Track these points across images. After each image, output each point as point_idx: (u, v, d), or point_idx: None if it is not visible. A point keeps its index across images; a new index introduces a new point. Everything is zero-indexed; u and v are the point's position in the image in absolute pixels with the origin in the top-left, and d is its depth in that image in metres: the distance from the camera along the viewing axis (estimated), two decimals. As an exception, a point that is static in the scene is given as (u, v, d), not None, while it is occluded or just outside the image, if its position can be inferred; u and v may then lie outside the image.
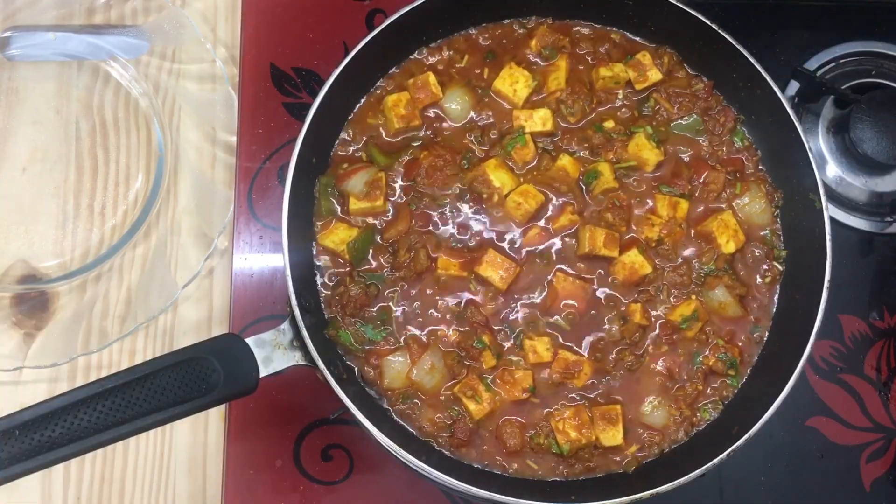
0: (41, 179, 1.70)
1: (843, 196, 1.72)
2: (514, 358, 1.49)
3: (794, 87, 1.74)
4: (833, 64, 1.77)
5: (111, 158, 1.72)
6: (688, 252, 1.55)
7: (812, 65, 1.75)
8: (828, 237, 1.44)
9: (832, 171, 1.71)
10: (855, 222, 1.72)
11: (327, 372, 1.36)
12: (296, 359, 1.37)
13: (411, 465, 1.35)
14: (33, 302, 1.66)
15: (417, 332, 1.50)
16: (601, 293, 1.52)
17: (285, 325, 1.38)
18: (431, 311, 1.50)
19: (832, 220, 1.45)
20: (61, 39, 1.70)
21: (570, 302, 1.51)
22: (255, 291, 1.68)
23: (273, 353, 1.35)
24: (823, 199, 1.46)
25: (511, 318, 1.51)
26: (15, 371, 1.63)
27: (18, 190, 1.69)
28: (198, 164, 1.76)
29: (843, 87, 1.70)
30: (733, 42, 1.51)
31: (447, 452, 1.47)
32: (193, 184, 1.75)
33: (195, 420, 1.64)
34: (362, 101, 1.60)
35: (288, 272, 1.39)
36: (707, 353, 1.51)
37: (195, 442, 1.65)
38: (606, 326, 1.50)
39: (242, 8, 1.80)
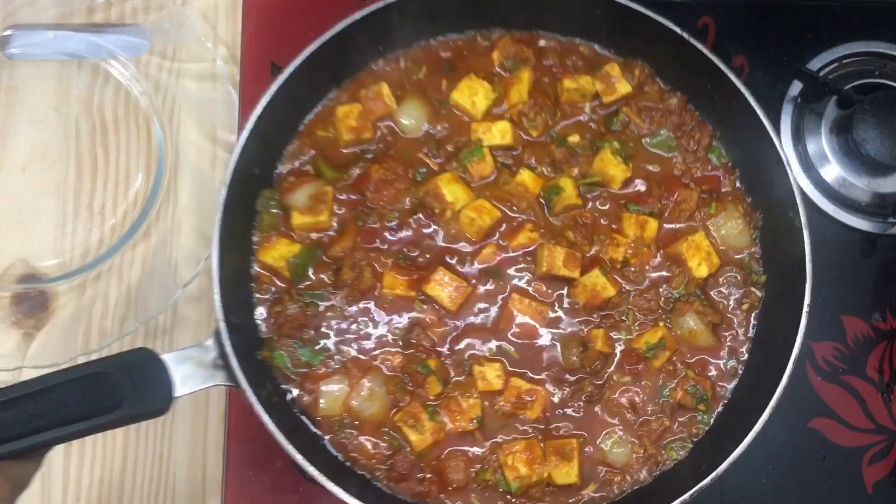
0: (41, 179, 1.69)
1: (845, 197, 1.69)
2: (463, 385, 1.41)
3: (796, 87, 1.72)
4: (836, 64, 1.74)
5: (111, 158, 1.72)
6: (656, 275, 1.46)
7: (815, 65, 1.73)
8: (807, 257, 1.36)
9: (835, 171, 1.68)
10: (857, 223, 1.69)
11: (251, 394, 1.28)
12: (218, 378, 1.29)
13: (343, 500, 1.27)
14: (33, 301, 1.64)
15: (358, 356, 1.41)
16: (560, 317, 1.43)
17: (209, 342, 1.30)
18: (374, 332, 1.42)
19: (835, 220, 1.51)
20: (61, 38, 1.70)
21: (526, 325, 1.43)
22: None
23: (195, 371, 1.27)
24: (803, 216, 1.38)
25: (460, 341, 1.42)
26: (14, 371, 1.59)
27: (18, 189, 1.69)
28: (198, 163, 1.73)
29: (846, 88, 1.68)
30: (704, 51, 1.42)
31: (384, 487, 1.38)
32: (193, 183, 1.72)
33: (195, 420, 1.62)
34: (313, 112, 1.52)
35: (216, 286, 1.31)
36: (675, 385, 1.43)
37: (195, 442, 1.62)
38: (565, 353, 1.41)
39: (243, 6, 1.77)
